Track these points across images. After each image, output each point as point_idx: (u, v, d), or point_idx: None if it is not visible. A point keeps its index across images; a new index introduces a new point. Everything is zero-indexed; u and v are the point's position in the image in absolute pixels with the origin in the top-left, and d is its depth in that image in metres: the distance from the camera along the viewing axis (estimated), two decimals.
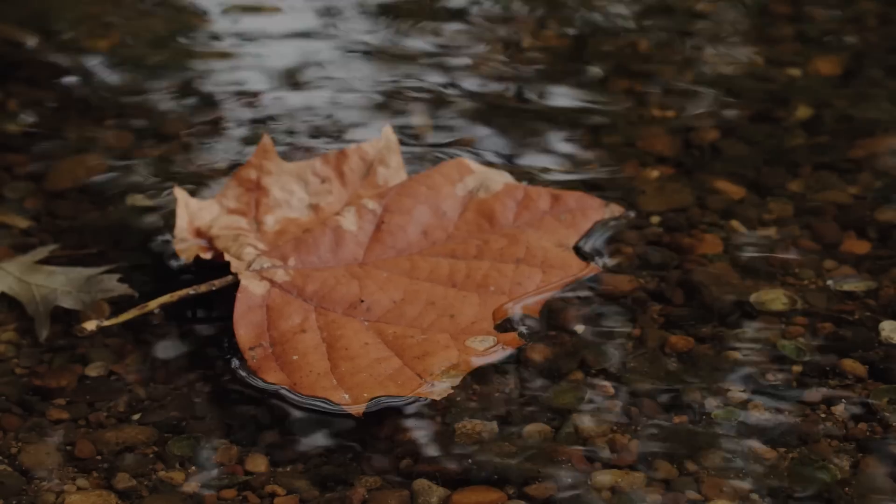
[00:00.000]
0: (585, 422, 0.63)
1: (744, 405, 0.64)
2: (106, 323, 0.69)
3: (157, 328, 0.70)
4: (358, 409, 0.62)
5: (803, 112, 0.89)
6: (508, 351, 0.66)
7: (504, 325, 0.68)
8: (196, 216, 0.75)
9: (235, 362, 0.67)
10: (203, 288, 0.70)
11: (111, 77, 0.98)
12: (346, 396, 0.63)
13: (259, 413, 0.64)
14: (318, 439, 0.62)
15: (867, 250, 0.74)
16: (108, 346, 0.68)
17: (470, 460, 0.61)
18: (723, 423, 0.62)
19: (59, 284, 0.72)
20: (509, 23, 1.06)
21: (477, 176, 0.77)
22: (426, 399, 0.63)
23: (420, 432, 0.63)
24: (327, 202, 0.77)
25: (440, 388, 0.63)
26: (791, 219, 0.78)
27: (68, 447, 0.62)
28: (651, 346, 0.68)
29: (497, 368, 0.66)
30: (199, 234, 0.74)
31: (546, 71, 0.97)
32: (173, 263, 0.74)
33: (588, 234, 0.75)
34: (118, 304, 0.71)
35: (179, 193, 0.76)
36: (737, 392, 0.64)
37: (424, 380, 0.63)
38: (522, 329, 0.69)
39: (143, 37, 1.05)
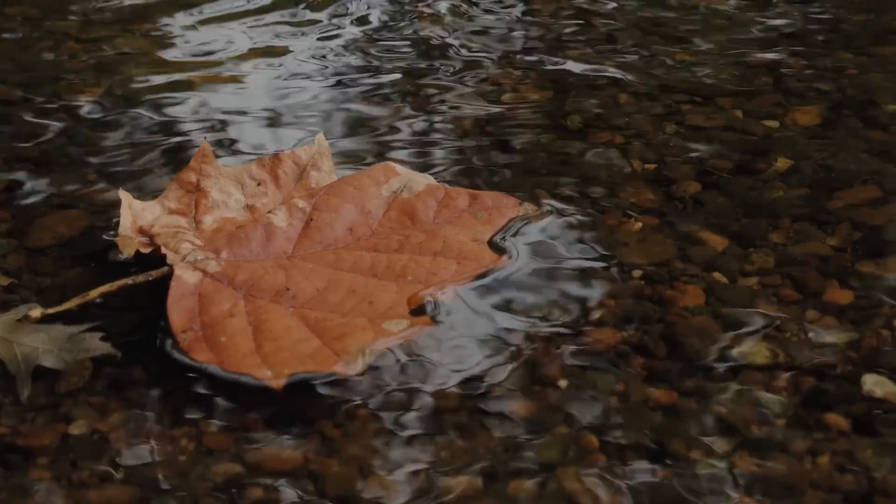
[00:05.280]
0: (570, 477, 0.63)
1: (728, 458, 0.64)
2: (50, 311, 0.73)
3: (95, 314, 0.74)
4: (278, 383, 0.67)
5: (783, 163, 0.90)
6: (422, 330, 0.71)
7: (420, 310, 0.74)
8: (139, 216, 0.80)
9: (168, 344, 0.71)
10: (140, 278, 0.75)
11: (93, 132, 0.98)
12: (269, 372, 0.68)
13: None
14: None
15: (849, 301, 0.75)
16: (91, 404, 0.68)
17: None
18: (708, 477, 0.62)
19: (40, 343, 0.71)
20: (490, 75, 1.07)
21: (402, 178, 0.83)
22: (342, 375, 0.68)
23: (405, 487, 0.63)
24: (262, 203, 0.82)
25: (355, 365, 0.68)
26: (772, 270, 0.78)
27: None
28: (635, 399, 0.68)
29: (481, 423, 0.66)
30: (142, 232, 0.79)
31: (526, 123, 0.97)
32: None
33: (503, 230, 0.81)
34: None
35: (123, 195, 0.81)
36: (721, 445, 0.64)
37: (341, 358, 0.68)
38: (435, 312, 0.74)
39: (125, 90, 1.05)
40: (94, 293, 0.74)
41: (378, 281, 0.75)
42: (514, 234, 0.81)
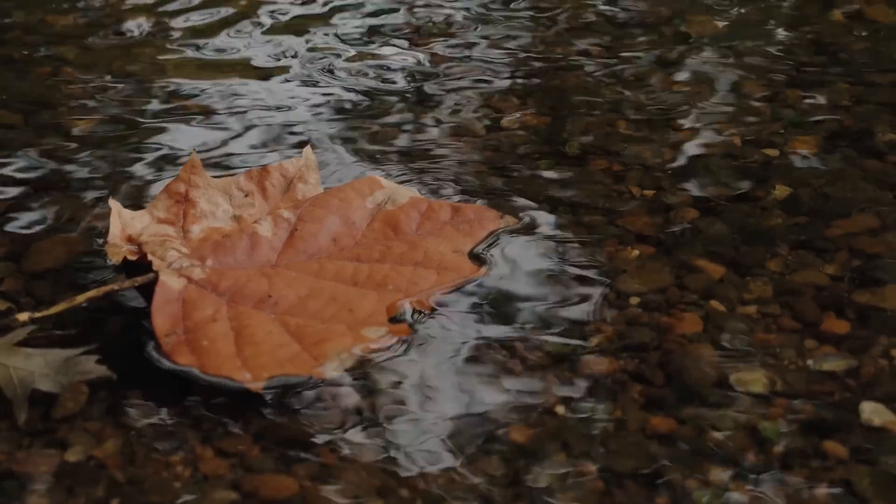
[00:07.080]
0: None
1: (725, 487, 0.63)
2: (38, 315, 0.74)
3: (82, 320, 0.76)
4: (257, 385, 0.69)
5: (781, 191, 0.90)
6: (399, 338, 0.73)
7: (398, 318, 0.75)
8: (128, 225, 0.82)
9: (152, 347, 0.72)
10: (126, 284, 0.77)
11: (92, 156, 0.98)
12: (248, 375, 0.69)
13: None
14: None
15: (847, 330, 0.75)
16: (87, 430, 0.68)
17: None
18: None
19: (36, 367, 0.71)
20: (488, 100, 1.07)
21: (386, 190, 0.85)
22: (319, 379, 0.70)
23: None
24: (250, 214, 0.84)
25: (332, 369, 0.70)
26: (770, 298, 0.78)
27: None
28: (632, 427, 0.68)
29: (479, 449, 0.66)
30: (131, 241, 0.81)
31: (525, 150, 0.98)
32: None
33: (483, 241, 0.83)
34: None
35: (113, 204, 0.82)
36: (719, 474, 0.64)
37: (319, 362, 0.70)
38: (411, 321, 0.75)
39: (124, 113, 1.05)
40: (80, 298, 0.75)
41: (359, 289, 0.77)
42: (512, 260, 0.81)
